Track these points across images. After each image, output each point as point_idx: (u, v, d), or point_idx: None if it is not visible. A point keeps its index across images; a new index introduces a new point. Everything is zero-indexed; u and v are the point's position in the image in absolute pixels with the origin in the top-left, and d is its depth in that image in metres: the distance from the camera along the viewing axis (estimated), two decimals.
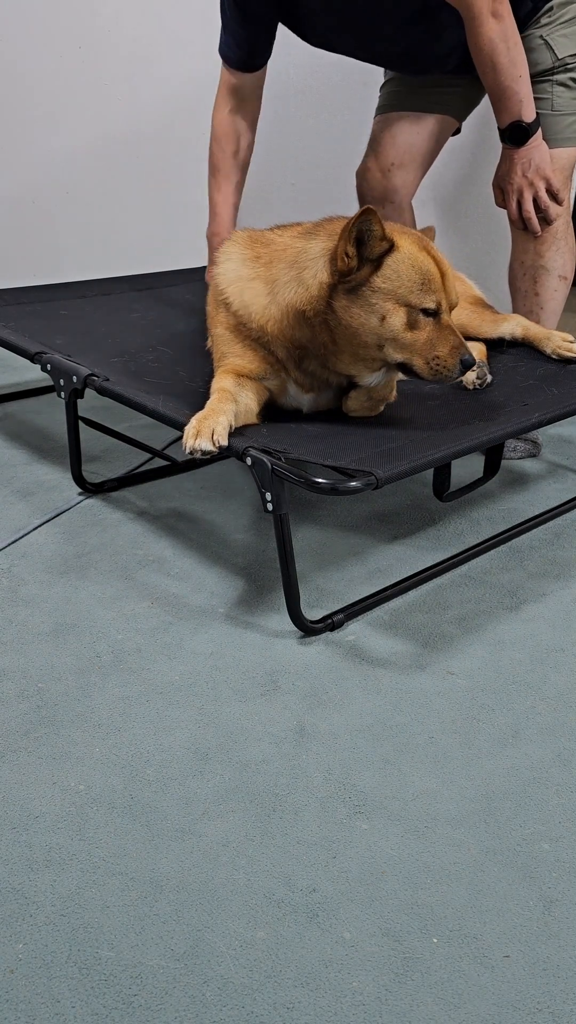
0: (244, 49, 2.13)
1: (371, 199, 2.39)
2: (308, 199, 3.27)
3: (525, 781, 1.20)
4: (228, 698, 1.34)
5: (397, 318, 1.48)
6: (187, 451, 1.39)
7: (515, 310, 2.25)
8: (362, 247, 1.46)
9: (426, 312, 1.49)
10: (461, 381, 1.85)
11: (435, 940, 0.98)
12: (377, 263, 1.47)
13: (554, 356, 1.98)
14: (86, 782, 1.18)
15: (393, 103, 2.37)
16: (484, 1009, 0.90)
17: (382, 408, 1.68)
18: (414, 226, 2.42)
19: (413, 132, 2.34)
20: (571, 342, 1.98)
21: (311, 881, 1.04)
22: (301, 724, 1.29)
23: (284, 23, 2.13)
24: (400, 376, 1.87)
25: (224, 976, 0.93)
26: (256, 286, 1.58)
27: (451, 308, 1.54)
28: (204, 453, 1.39)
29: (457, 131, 2.45)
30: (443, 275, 1.50)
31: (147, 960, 0.94)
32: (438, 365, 1.51)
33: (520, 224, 2.12)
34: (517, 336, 2.04)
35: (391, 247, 1.47)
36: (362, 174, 2.41)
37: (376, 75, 2.51)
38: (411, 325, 1.49)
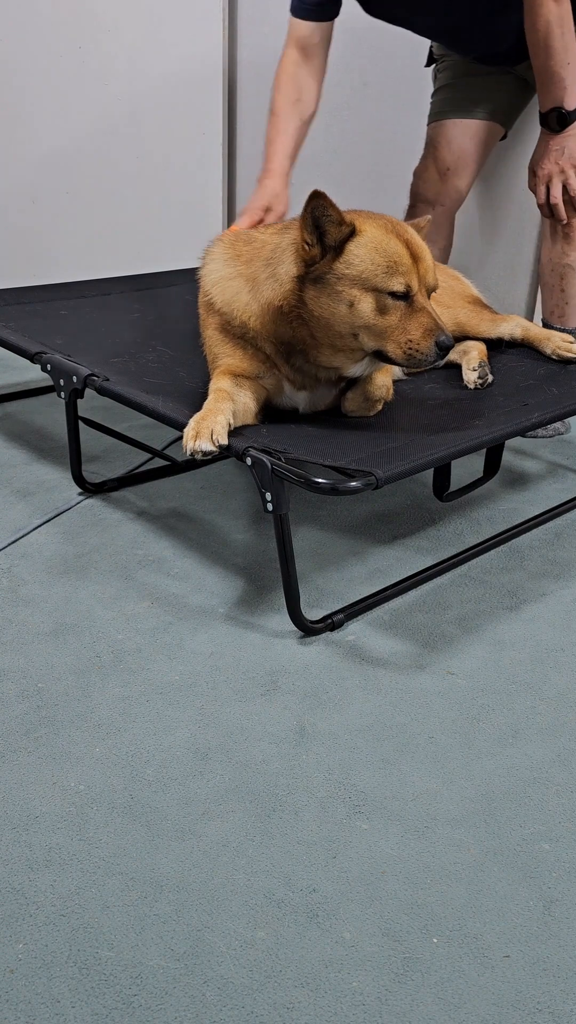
0: None
1: (424, 199, 2.46)
2: None
3: (525, 781, 1.20)
4: (228, 698, 1.34)
5: (366, 304, 1.45)
6: (187, 453, 1.39)
7: (544, 303, 2.33)
8: (324, 235, 1.44)
9: (395, 295, 1.45)
10: (465, 380, 1.85)
11: (435, 940, 0.98)
12: (339, 249, 1.45)
13: (554, 357, 1.98)
14: (86, 782, 1.18)
15: (445, 109, 2.44)
16: (484, 1009, 0.91)
17: (380, 407, 1.67)
18: (451, 232, 2.51)
19: (465, 138, 2.41)
20: (571, 343, 1.99)
21: (311, 881, 1.04)
22: (301, 724, 1.29)
23: None
24: (399, 374, 1.87)
25: (224, 976, 0.93)
26: (237, 284, 1.58)
27: (429, 291, 1.50)
28: (205, 454, 1.39)
29: (503, 137, 2.53)
30: (416, 257, 1.47)
31: (147, 960, 0.94)
32: (411, 349, 1.46)
33: (547, 211, 2.15)
34: (516, 337, 2.04)
35: (352, 232, 1.45)
36: (420, 173, 2.47)
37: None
38: (381, 310, 1.45)
